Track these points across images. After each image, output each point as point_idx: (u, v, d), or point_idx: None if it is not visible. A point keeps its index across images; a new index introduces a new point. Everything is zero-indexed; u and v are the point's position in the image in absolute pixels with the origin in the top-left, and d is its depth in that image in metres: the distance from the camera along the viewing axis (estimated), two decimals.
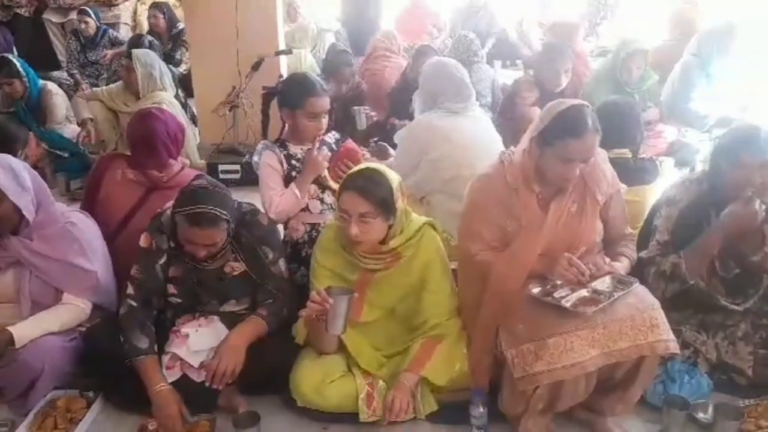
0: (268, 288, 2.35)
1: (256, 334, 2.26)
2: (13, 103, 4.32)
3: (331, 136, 2.82)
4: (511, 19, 6.24)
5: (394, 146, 3.25)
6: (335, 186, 2.57)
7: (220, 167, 4.21)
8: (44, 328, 2.29)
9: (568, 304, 1.92)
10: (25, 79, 4.31)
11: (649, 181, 2.80)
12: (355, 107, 3.75)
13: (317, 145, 2.66)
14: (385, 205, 2.08)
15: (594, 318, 1.89)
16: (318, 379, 2.15)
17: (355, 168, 2.26)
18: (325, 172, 2.67)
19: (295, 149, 2.71)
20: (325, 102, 2.66)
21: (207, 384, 2.18)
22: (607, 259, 2.09)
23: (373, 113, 3.89)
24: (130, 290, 2.30)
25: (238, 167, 4.20)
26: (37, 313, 2.33)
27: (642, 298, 1.96)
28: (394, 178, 2.14)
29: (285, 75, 4.61)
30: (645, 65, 4.07)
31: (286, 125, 2.81)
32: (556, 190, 2.12)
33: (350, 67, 4.38)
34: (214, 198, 2.16)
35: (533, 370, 1.89)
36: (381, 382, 2.18)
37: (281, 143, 2.74)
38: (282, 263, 2.40)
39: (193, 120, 4.73)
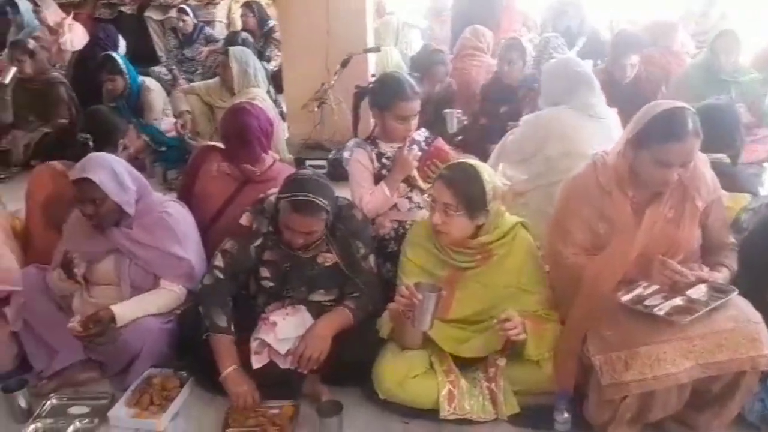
0: (356, 281, 2.39)
1: (342, 325, 2.31)
2: (115, 99, 4.56)
3: (421, 134, 2.82)
4: (602, 18, 6.09)
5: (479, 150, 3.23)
6: (424, 185, 2.58)
7: (307, 162, 4.30)
8: (143, 309, 2.42)
9: (661, 313, 1.86)
10: (127, 76, 4.56)
11: (751, 188, 2.66)
12: (447, 110, 3.75)
13: (407, 144, 2.67)
14: (471, 202, 2.08)
15: (689, 328, 1.82)
16: (401, 374, 2.17)
17: (457, 160, 2.27)
18: (415, 172, 2.67)
19: (386, 147, 2.74)
20: (414, 105, 2.66)
21: (292, 367, 2.24)
22: (705, 268, 2.01)
23: (464, 117, 3.88)
24: (218, 262, 2.39)
25: (324, 163, 4.28)
26: (136, 296, 2.47)
27: (742, 310, 1.87)
28: (490, 178, 2.13)
29: (372, 72, 4.68)
30: (737, 50, 3.99)
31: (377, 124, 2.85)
32: (651, 194, 2.05)
33: (444, 66, 4.36)
34: (319, 188, 2.24)
35: (622, 378, 1.84)
36: (463, 381, 2.18)
37: (372, 141, 2.77)
38: (372, 259, 2.44)
39: (282, 116, 4.86)
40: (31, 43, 4.85)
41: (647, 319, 1.87)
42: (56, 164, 2.94)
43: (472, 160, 2.24)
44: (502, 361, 2.18)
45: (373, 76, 4.27)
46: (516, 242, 2.20)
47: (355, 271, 2.39)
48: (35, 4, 5.86)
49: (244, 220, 2.42)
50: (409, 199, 2.72)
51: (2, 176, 4.49)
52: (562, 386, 2.08)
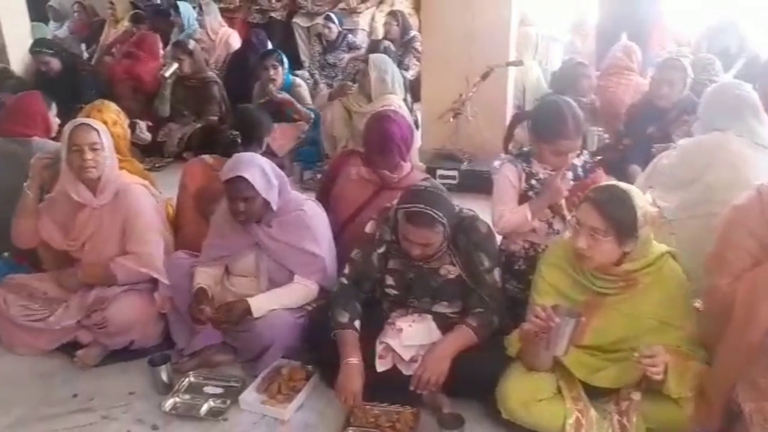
0: (480, 295, 2.36)
1: (464, 345, 2.29)
2: (267, 93, 4.84)
3: (580, 159, 2.68)
4: (763, 39, 5.64)
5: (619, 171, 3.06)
6: (569, 216, 2.48)
7: (439, 171, 4.32)
8: (277, 302, 2.53)
9: None
10: (285, 70, 4.87)
11: None
12: (590, 128, 3.62)
13: (562, 172, 2.54)
14: (621, 227, 1.98)
15: None
16: (527, 396, 2.11)
17: (606, 182, 2.18)
18: (563, 200, 2.55)
19: (539, 168, 2.63)
20: (574, 145, 2.53)
21: (411, 388, 2.25)
22: None
23: (606, 136, 3.74)
24: (346, 270, 2.47)
25: (455, 173, 4.28)
26: (272, 289, 2.59)
27: None
28: (642, 203, 2.02)
29: (510, 86, 4.62)
30: None
31: None
32: None
33: (588, 79, 4.22)
34: (435, 200, 2.23)
35: None
36: (592, 411, 2.08)
37: (525, 158, 2.68)
38: (497, 273, 2.40)
39: (416, 124, 4.91)
40: (191, 44, 5.24)
41: None
42: (207, 158, 3.14)
43: (623, 183, 2.13)
44: (636, 396, 2.06)
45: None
46: (663, 272, 2.08)
47: (479, 284, 2.36)
48: (200, 9, 6.31)
49: (368, 228, 2.47)
50: (550, 225, 2.63)
51: (158, 165, 4.85)
52: (703, 430, 1.94)
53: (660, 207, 2.42)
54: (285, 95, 4.86)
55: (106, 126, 3.02)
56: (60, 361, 2.71)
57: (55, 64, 5.15)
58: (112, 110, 3.22)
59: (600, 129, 3.73)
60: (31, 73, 5.58)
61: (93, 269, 2.68)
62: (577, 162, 2.64)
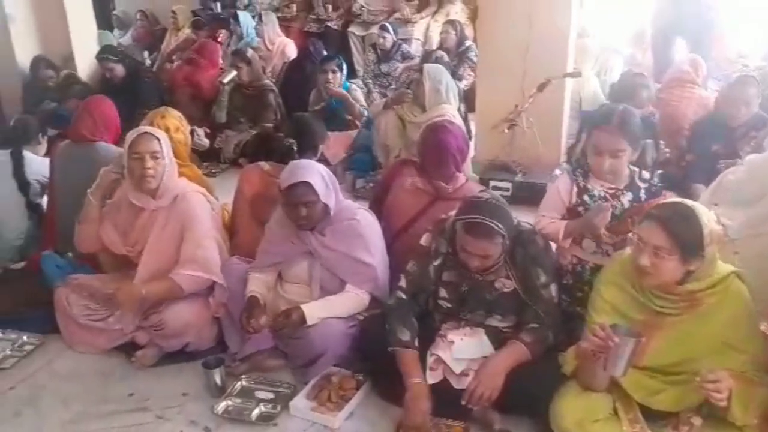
0: (535, 310, 2.32)
1: (518, 361, 2.25)
2: (323, 100, 4.93)
3: (646, 177, 2.56)
4: None
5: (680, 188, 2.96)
6: (609, 240, 2.43)
7: (492, 183, 4.27)
8: (329, 311, 2.55)
9: None
10: (343, 77, 4.97)
11: None
12: (648, 140, 3.53)
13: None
14: (686, 246, 1.91)
15: None
16: (581, 415, 2.05)
17: (671, 199, 2.12)
18: (602, 230, 2.41)
19: (594, 184, 2.56)
20: (614, 142, 2.42)
21: (463, 403, 2.22)
22: None
23: (666, 150, 3.64)
24: (402, 282, 2.46)
25: (509, 185, 4.23)
26: (324, 297, 2.60)
27: None
28: (708, 221, 1.94)
29: (567, 98, 4.54)
30: None
31: None
32: None
33: (647, 90, 4.11)
34: (494, 211, 2.20)
35: None
36: None
37: (584, 172, 2.60)
38: (554, 288, 2.35)
39: (469, 134, 4.87)
40: (250, 52, 5.34)
41: None
42: (264, 164, 3.18)
43: (688, 200, 2.07)
44: (697, 421, 1.99)
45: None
46: (729, 293, 1.99)
47: (535, 299, 2.32)
48: (260, 19, 6.45)
49: (424, 240, 2.45)
50: (598, 243, 2.55)
51: (214, 171, 4.95)
52: None
53: (724, 225, 2.32)
54: (339, 89, 4.93)
55: (169, 132, 3.12)
56: (118, 359, 2.79)
57: (119, 70, 5.33)
58: (174, 117, 3.31)
59: (660, 142, 3.64)
60: (95, 79, 5.81)
61: (157, 286, 2.67)
62: (641, 184, 2.54)
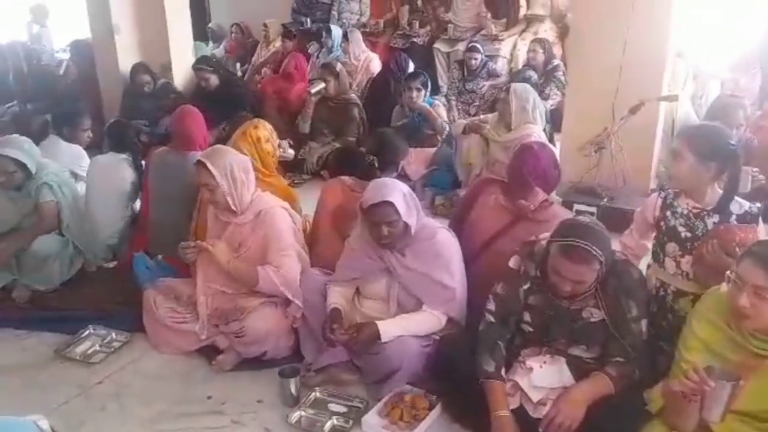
0: (623, 344, 2.22)
1: (601, 393, 2.16)
2: (407, 115, 4.97)
3: (744, 205, 2.41)
4: None
5: None
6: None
7: (575, 206, 4.14)
8: (405, 329, 2.54)
9: None
10: (427, 95, 5.02)
11: None
12: (743, 167, 3.34)
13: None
14: None
15: None
16: None
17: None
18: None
19: (683, 202, 2.45)
20: (682, 157, 2.35)
21: (541, 430, 2.16)
22: None
23: (761, 176, 3.43)
24: (491, 306, 2.39)
25: (594, 209, 4.09)
26: (401, 315, 2.60)
27: None
28: None
29: (660, 122, 4.37)
30: None
31: None
32: None
33: (744, 109, 3.90)
34: (594, 236, 2.13)
35: None
36: None
37: (676, 192, 2.50)
38: (644, 323, 2.25)
39: None
40: (338, 66, 5.44)
41: None
42: (347, 179, 3.22)
43: None
44: None
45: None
46: None
47: (623, 333, 2.22)
48: (345, 38, 6.58)
49: (512, 263, 2.39)
50: (678, 264, 2.44)
51: (297, 182, 5.05)
52: None
53: None
54: (423, 104, 4.94)
55: (259, 142, 3.25)
56: (199, 362, 2.88)
57: (214, 80, 5.54)
58: (266, 128, 3.42)
59: (754, 169, 3.43)
60: (190, 87, 6.07)
61: (241, 266, 2.79)
62: (735, 209, 2.39)
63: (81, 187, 3.85)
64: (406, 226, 2.53)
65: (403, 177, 3.96)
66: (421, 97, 4.99)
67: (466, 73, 6.10)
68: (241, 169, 2.85)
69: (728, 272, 1.92)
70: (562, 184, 4.42)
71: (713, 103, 4.27)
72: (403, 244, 2.60)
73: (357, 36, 6.61)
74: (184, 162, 3.36)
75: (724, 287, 2.01)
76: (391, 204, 2.47)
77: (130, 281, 3.32)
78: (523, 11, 6.75)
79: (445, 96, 6.32)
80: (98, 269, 3.71)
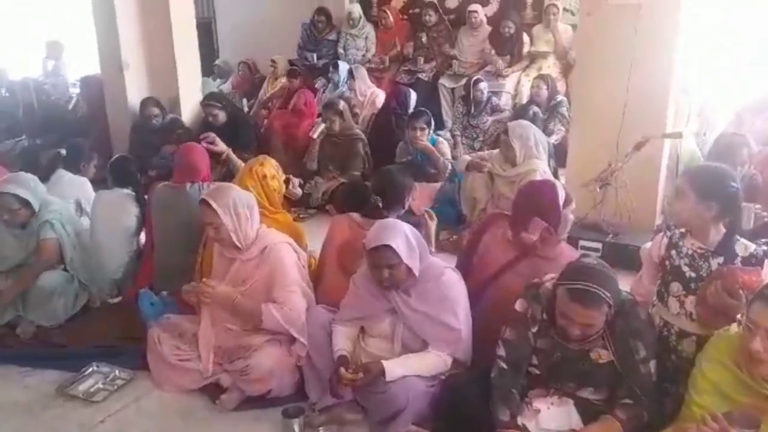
0: (631, 386, 2.20)
1: None
2: (410, 152, 4.99)
3: (743, 247, 2.35)
4: None
5: None
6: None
7: (581, 242, 4.13)
8: (410, 369, 2.52)
9: None
10: (431, 133, 5.06)
11: None
12: (745, 204, 3.32)
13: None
14: None
15: None
16: None
17: None
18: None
19: (688, 242, 2.43)
20: (682, 200, 2.38)
21: None
22: None
23: (764, 214, 3.42)
24: (501, 351, 2.36)
25: (599, 245, 4.08)
26: (406, 355, 2.58)
27: None
28: None
29: (664, 159, 4.37)
30: None
31: None
32: None
33: (748, 148, 3.90)
34: (602, 278, 2.12)
35: None
36: None
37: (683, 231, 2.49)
38: (653, 365, 2.22)
39: None
40: (342, 104, 5.48)
41: None
42: (355, 215, 3.21)
43: None
44: None
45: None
46: None
47: (631, 375, 2.20)
48: (350, 75, 6.66)
49: (519, 306, 2.37)
50: (681, 303, 2.42)
51: (302, 216, 5.05)
52: None
53: None
54: (427, 143, 4.96)
55: (265, 179, 3.28)
56: (201, 401, 2.84)
57: (222, 116, 5.60)
58: (272, 165, 3.44)
59: (758, 206, 3.42)
60: (197, 122, 6.12)
61: (247, 304, 2.79)
62: (740, 251, 2.35)
63: (86, 221, 3.87)
64: (409, 269, 2.52)
65: (409, 212, 3.96)
66: (425, 136, 5.02)
67: (472, 108, 6.15)
68: (244, 205, 2.86)
69: (739, 315, 1.90)
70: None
71: (717, 141, 4.27)
72: (409, 285, 2.59)
73: (362, 72, 6.69)
74: (188, 198, 3.39)
75: (734, 328, 2.00)
76: (391, 248, 2.47)
77: (134, 317, 3.31)
78: (526, 48, 6.82)
79: (450, 131, 6.37)
80: (103, 305, 3.71)
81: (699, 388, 2.01)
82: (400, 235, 2.52)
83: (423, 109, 5.42)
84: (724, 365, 1.98)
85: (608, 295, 2.09)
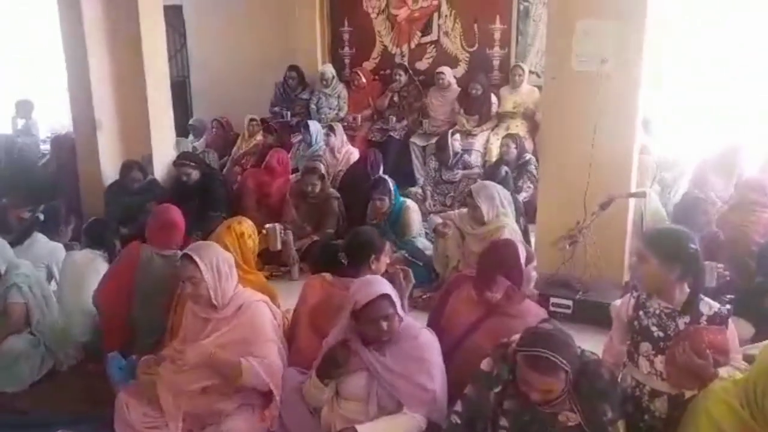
0: None
1: None
2: (376, 217, 5.02)
3: (708, 307, 2.42)
4: None
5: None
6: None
7: (552, 299, 4.18)
8: None
9: None
10: (393, 197, 5.05)
11: None
12: (708, 262, 3.42)
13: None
14: None
15: None
16: None
17: None
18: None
19: (655, 303, 2.49)
20: (646, 262, 2.46)
21: None
22: None
23: (726, 272, 3.52)
24: (458, 407, 2.38)
25: (570, 302, 4.14)
26: (380, 417, 2.55)
27: None
28: None
29: (630, 217, 4.49)
30: None
31: None
32: None
33: (705, 215, 4.07)
34: (557, 345, 2.16)
35: None
36: None
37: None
38: (621, 426, 2.24)
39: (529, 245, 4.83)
40: (322, 168, 5.55)
41: None
42: (326, 276, 3.22)
43: None
44: None
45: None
46: None
47: None
48: (330, 129, 6.75)
49: (485, 365, 2.40)
50: (651, 363, 2.47)
51: (275, 274, 5.03)
52: None
53: None
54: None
55: (243, 237, 3.30)
56: None
57: (195, 174, 5.61)
58: (249, 225, 3.51)
59: (720, 265, 3.53)
60: (170, 181, 6.12)
61: (225, 359, 2.74)
62: (705, 310, 2.42)
63: (55, 286, 3.82)
64: (400, 319, 2.55)
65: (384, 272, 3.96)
66: (385, 205, 5.06)
67: (449, 157, 6.25)
68: (225, 263, 2.87)
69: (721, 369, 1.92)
70: (538, 275, 4.48)
71: (680, 202, 4.43)
72: (384, 345, 2.59)
73: (340, 131, 6.79)
74: (162, 261, 3.36)
75: (729, 390, 2.00)
76: (388, 297, 2.51)
77: (102, 382, 3.23)
78: (494, 108, 7.02)
79: (421, 187, 6.50)
80: (69, 369, 3.62)
81: None
82: (388, 286, 2.56)
83: (382, 176, 5.43)
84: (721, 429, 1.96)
85: (563, 361, 2.12)
